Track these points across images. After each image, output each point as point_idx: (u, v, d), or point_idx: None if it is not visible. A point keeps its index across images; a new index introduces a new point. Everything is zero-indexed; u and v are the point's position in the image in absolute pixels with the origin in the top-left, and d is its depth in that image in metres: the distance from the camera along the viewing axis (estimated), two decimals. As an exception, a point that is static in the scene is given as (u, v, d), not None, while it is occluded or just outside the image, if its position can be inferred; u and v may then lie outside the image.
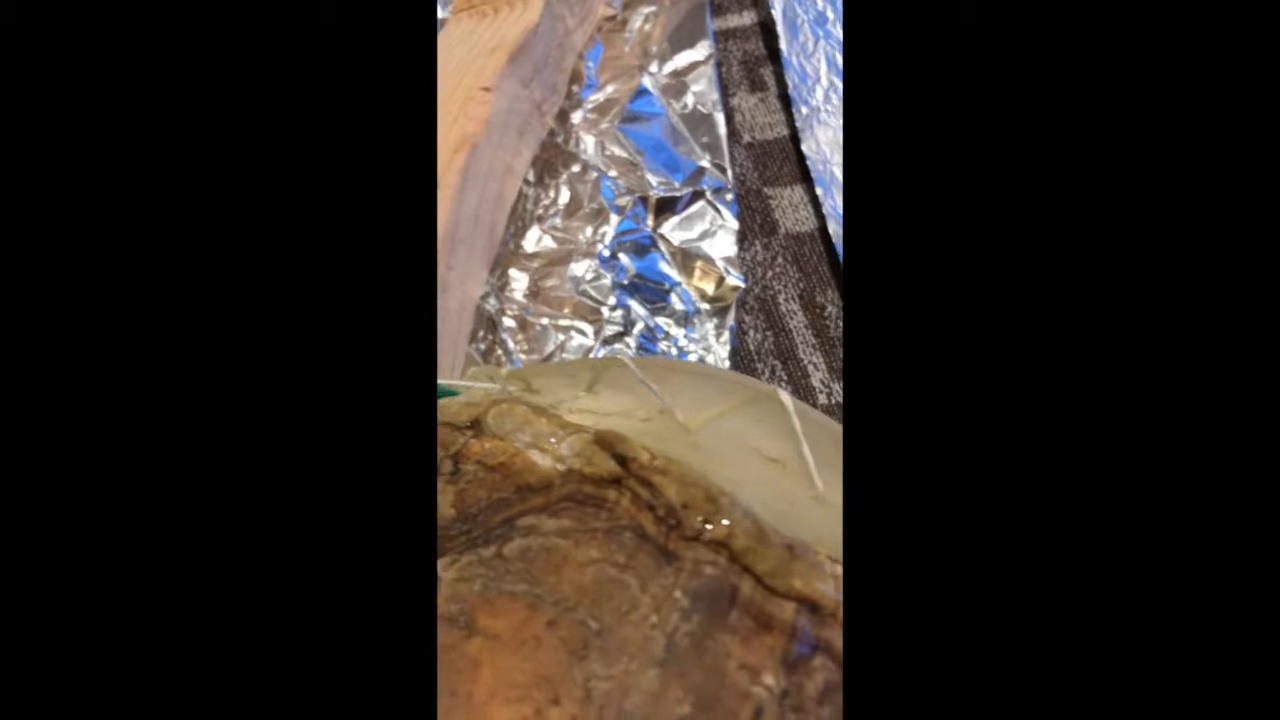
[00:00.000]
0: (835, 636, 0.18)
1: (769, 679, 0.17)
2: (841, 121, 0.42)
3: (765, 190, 0.42)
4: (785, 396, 0.22)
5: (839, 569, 0.18)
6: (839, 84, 0.43)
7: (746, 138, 0.44)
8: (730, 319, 0.37)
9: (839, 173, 0.40)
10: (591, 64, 0.45)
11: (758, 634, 0.18)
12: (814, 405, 0.36)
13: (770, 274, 0.40)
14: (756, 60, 0.46)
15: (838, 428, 0.24)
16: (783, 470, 0.21)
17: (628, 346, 0.37)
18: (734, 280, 0.38)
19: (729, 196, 0.40)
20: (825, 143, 0.41)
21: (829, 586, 0.18)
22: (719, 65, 0.45)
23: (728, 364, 0.37)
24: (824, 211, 0.40)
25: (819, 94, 0.43)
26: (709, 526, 0.19)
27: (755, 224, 0.41)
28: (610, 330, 0.37)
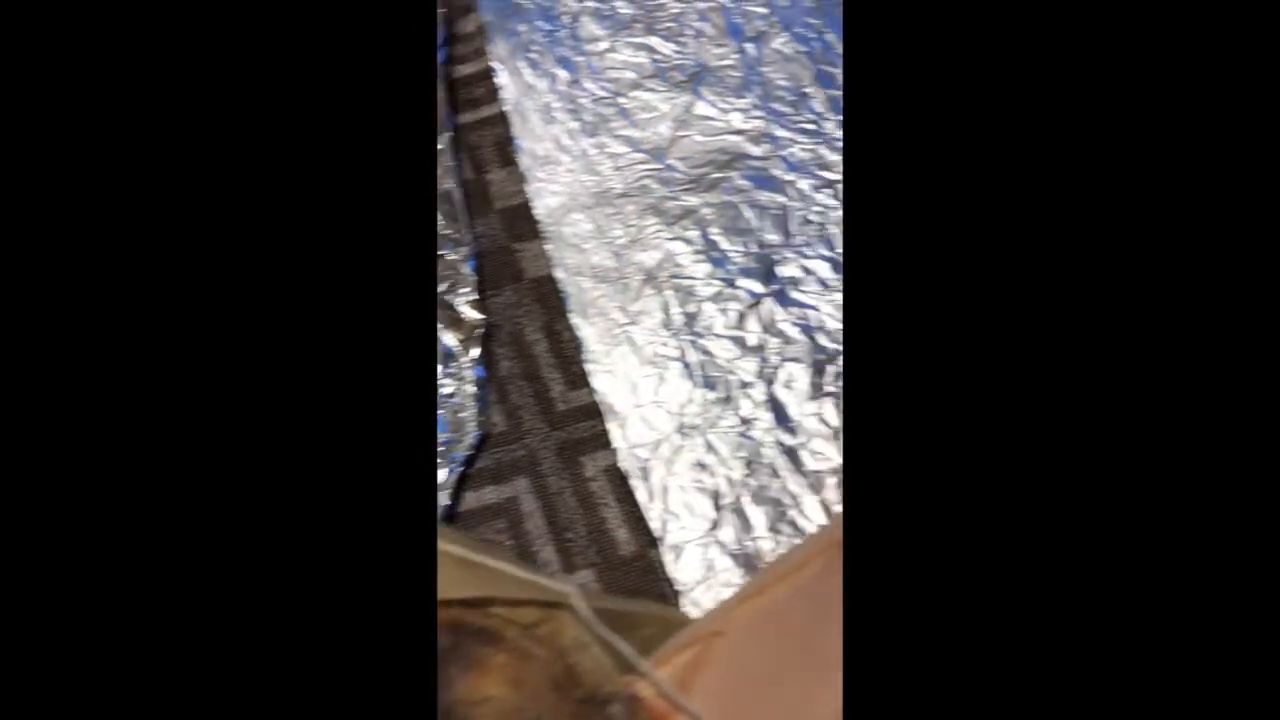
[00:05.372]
0: None
1: None
2: (567, 190, 0.55)
3: (513, 245, 0.54)
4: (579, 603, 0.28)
5: None
6: (565, 159, 0.57)
7: (499, 204, 0.56)
8: (478, 353, 0.49)
9: (565, 230, 0.54)
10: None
11: None
12: (553, 413, 0.47)
13: (519, 313, 0.51)
14: (506, 141, 0.59)
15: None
16: None
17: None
18: (474, 317, 0.50)
19: (464, 254, 0.52)
20: (554, 208, 0.55)
21: None
22: (457, 152, 0.58)
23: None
24: (553, 261, 0.53)
25: (546, 170, 0.56)
26: None
27: (505, 273, 0.53)
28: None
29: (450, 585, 0.28)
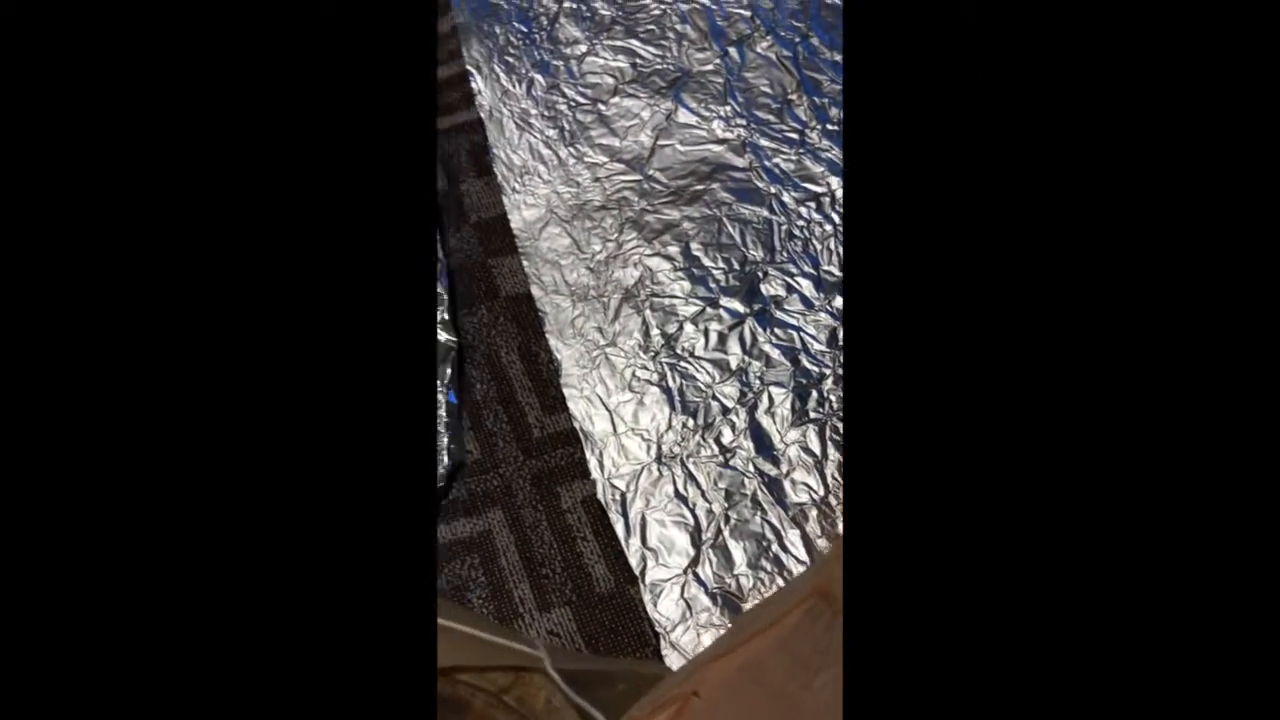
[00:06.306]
0: None
1: None
2: (544, 202, 0.53)
3: (489, 261, 0.52)
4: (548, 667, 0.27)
5: None
6: (542, 169, 0.54)
7: (474, 217, 0.54)
8: (450, 375, 0.47)
9: (543, 245, 0.52)
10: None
11: None
12: (529, 439, 0.45)
13: (494, 332, 0.49)
14: (481, 149, 0.56)
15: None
16: None
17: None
18: (448, 339, 0.48)
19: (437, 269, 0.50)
20: (531, 221, 0.53)
21: None
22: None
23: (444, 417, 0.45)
24: (529, 278, 0.51)
25: (525, 180, 0.55)
26: None
27: (480, 290, 0.51)
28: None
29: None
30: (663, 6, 0.60)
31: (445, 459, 0.45)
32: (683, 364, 0.47)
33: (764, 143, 0.55)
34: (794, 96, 0.56)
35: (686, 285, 0.49)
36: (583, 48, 0.59)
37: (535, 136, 0.56)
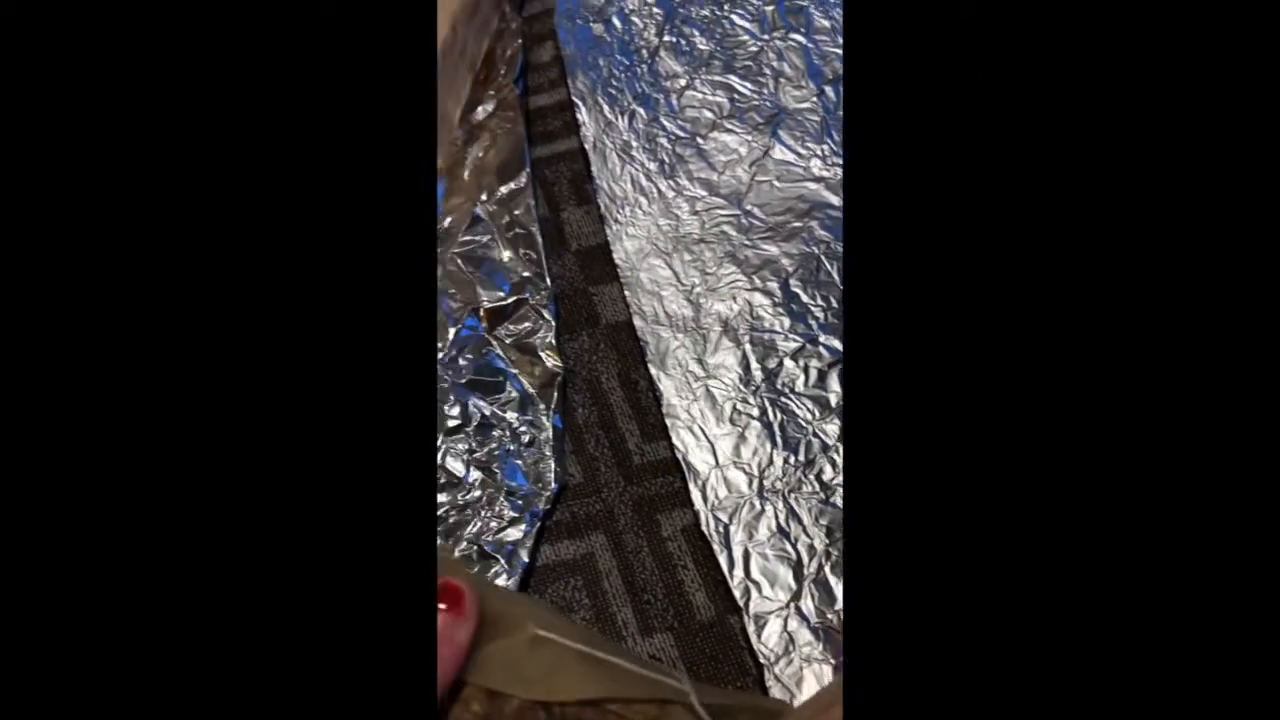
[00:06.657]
0: None
1: None
2: (645, 233, 0.55)
3: (589, 289, 0.54)
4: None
5: None
6: (643, 201, 0.56)
7: (574, 245, 0.55)
8: (555, 399, 0.48)
9: (643, 275, 0.54)
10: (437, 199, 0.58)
11: None
12: (629, 465, 0.47)
13: (594, 358, 0.50)
14: (582, 178, 0.58)
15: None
16: None
17: (467, 436, 0.47)
18: (555, 364, 0.49)
19: (544, 296, 0.52)
20: (632, 252, 0.54)
21: None
22: (536, 191, 0.57)
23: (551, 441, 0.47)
24: (630, 307, 0.52)
25: (626, 211, 0.56)
26: None
27: (581, 317, 0.53)
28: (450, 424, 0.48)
29: (571, 684, 0.28)
30: (760, 43, 0.61)
31: (551, 481, 0.46)
32: (783, 399, 0.48)
33: (861, 183, 0.56)
34: (890, 138, 0.57)
35: (786, 321, 0.50)
36: (682, 81, 0.60)
37: (637, 169, 0.57)
